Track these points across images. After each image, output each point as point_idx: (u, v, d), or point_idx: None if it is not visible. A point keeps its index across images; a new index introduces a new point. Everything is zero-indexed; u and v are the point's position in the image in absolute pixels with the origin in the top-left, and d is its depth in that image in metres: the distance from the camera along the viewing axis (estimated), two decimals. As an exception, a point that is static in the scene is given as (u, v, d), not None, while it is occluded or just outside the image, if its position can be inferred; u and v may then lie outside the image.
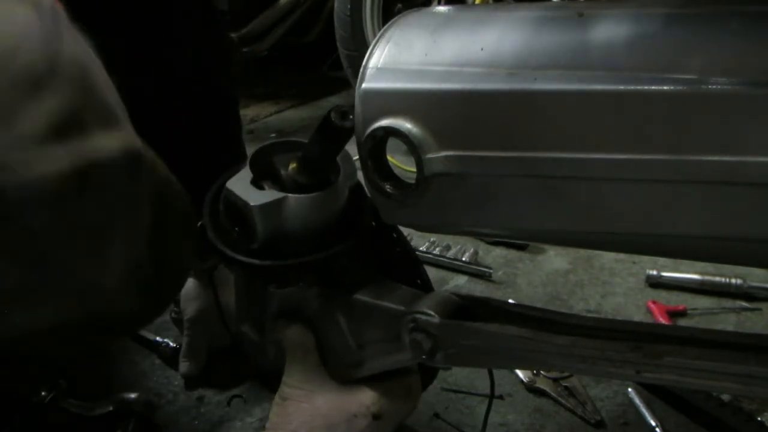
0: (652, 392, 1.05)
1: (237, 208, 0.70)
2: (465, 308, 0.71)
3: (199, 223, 0.76)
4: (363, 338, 0.78)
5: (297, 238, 0.71)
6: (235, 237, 0.73)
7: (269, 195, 0.68)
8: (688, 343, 0.57)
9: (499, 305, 0.70)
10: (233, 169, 0.74)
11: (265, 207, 0.68)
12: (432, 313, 0.68)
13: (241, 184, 0.70)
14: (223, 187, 0.72)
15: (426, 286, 0.85)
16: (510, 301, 1.32)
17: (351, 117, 0.64)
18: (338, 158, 0.72)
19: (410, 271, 0.86)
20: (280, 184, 0.72)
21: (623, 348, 0.58)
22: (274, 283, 0.79)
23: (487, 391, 1.06)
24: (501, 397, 1.06)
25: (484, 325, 0.66)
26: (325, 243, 0.73)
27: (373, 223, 0.78)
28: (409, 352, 0.71)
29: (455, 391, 1.06)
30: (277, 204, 0.68)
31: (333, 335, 0.79)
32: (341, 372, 0.79)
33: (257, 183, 0.71)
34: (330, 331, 0.79)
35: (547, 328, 0.63)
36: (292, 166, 0.71)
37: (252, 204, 0.67)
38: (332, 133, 0.65)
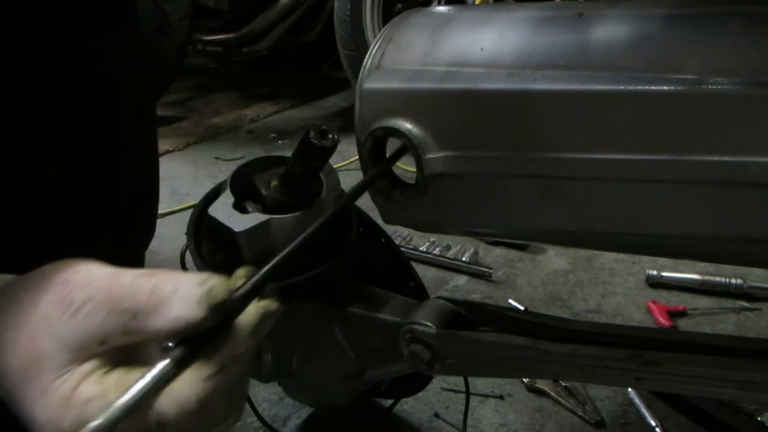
0: (652, 392, 1.05)
1: (221, 234, 0.68)
2: (461, 316, 0.70)
3: (182, 249, 0.74)
4: (361, 348, 0.77)
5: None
6: (222, 261, 0.71)
7: (253, 219, 0.67)
8: (688, 350, 0.57)
9: (495, 310, 0.70)
10: (212, 192, 0.73)
11: (250, 232, 0.66)
12: (428, 323, 0.68)
13: (223, 209, 0.68)
14: (205, 213, 0.70)
15: (419, 289, 0.84)
16: (509, 301, 1.32)
17: (331, 136, 0.63)
18: (320, 172, 0.71)
19: (402, 275, 0.86)
20: (262, 203, 0.71)
21: (622, 355, 0.58)
22: None
23: (487, 391, 1.07)
24: (501, 397, 1.06)
25: (482, 334, 0.66)
26: (314, 258, 0.72)
27: (360, 230, 0.77)
28: (408, 362, 0.71)
29: (455, 391, 1.06)
30: (262, 227, 0.67)
31: (330, 347, 0.78)
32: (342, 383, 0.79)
33: (239, 205, 0.70)
34: (327, 344, 0.78)
35: (545, 335, 0.63)
36: (274, 184, 0.70)
37: (237, 230, 0.66)
38: (312, 152, 0.64)
